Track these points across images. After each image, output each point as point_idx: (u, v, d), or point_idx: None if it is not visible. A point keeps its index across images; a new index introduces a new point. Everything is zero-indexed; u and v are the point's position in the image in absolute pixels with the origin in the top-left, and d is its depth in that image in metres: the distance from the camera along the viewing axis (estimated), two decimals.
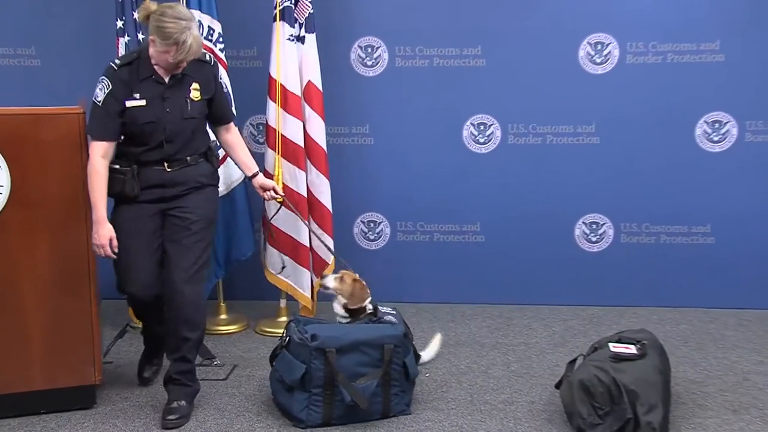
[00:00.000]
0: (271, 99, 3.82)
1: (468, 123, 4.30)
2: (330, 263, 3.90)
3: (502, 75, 4.23)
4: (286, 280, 3.93)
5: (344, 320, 3.21)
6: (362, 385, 2.85)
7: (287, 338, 2.96)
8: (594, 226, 4.34)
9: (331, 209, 3.94)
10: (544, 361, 3.56)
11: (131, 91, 2.83)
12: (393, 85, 4.28)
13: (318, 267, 3.94)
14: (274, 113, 3.81)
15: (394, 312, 3.25)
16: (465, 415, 2.99)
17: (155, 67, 2.86)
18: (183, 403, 2.97)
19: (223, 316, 4.09)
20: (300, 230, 3.83)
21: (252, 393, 3.21)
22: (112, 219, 2.87)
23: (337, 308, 3.24)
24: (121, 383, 3.31)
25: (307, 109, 3.84)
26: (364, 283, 3.25)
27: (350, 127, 4.34)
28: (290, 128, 3.81)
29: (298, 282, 3.91)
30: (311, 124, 3.86)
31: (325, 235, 3.91)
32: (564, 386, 2.88)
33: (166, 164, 2.91)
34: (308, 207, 3.89)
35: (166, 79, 2.89)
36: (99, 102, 2.80)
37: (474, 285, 4.42)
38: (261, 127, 4.28)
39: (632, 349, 2.88)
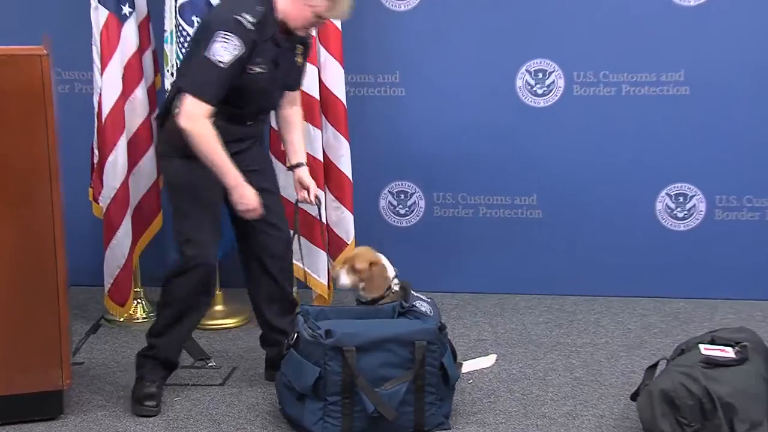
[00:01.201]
0: None
1: (523, 70, 4.26)
2: (350, 243, 3.88)
3: (565, 9, 4.17)
4: (298, 263, 3.91)
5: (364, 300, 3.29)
6: (388, 391, 2.86)
7: (295, 335, 2.97)
8: (681, 199, 4.29)
9: (351, 177, 3.95)
10: (616, 366, 3.56)
11: (256, 54, 2.95)
12: (429, 22, 4.25)
13: (335, 247, 3.96)
14: None
15: (429, 301, 3.26)
16: (517, 431, 2.98)
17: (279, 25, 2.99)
18: None
19: (219, 308, 4.11)
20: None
21: (255, 401, 3.23)
22: (183, 175, 3.04)
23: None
24: (94, 388, 3.34)
25: (323, 53, 3.85)
26: (383, 264, 3.25)
27: (376, 76, 4.33)
28: None
29: (312, 265, 3.93)
30: (327, 71, 3.87)
31: (344, 209, 3.88)
32: (642, 397, 2.87)
33: (249, 121, 3.14)
34: (323, 174, 3.90)
35: (281, 41, 3.03)
36: (223, 63, 2.86)
37: (529, 271, 4.41)
38: None
39: (729, 353, 2.86)
